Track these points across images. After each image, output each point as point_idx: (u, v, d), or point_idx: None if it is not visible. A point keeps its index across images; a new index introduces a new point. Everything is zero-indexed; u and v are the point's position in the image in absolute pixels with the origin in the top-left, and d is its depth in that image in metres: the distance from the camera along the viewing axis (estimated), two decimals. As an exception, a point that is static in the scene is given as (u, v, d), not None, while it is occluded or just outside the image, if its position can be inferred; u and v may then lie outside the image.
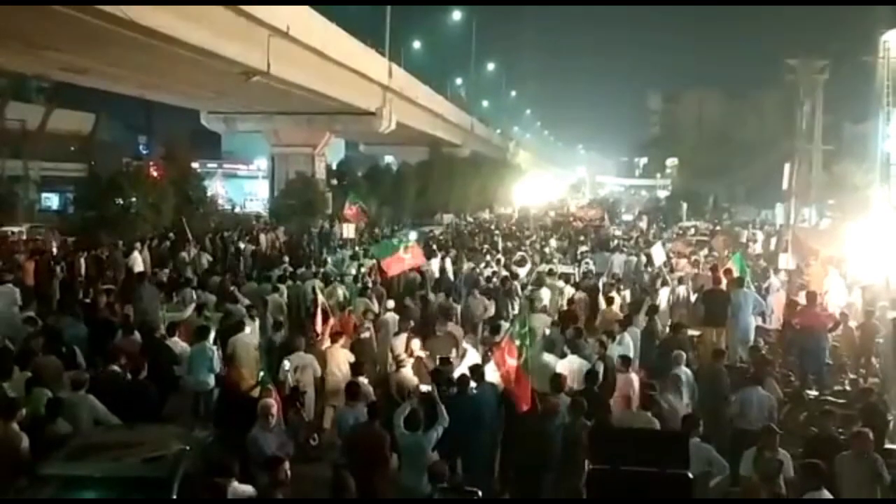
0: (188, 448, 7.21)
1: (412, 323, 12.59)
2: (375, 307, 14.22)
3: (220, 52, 22.62)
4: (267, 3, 23.70)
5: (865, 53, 32.25)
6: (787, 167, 33.06)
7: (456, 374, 9.75)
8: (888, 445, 9.09)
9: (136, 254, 19.92)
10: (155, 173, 25.96)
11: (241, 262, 23.02)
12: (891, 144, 27.33)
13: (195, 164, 33.87)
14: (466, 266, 20.23)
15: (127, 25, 18.35)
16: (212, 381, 10.59)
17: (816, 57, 32.57)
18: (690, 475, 6.43)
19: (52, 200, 43.25)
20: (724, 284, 15.18)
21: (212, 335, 11.07)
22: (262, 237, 27.21)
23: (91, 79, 29.28)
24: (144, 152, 51.30)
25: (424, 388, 9.40)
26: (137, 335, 11.35)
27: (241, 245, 24.91)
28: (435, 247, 23.95)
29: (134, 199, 23.01)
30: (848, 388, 12.85)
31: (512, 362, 9.01)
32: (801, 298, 15.18)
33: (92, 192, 23.33)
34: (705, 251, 26.26)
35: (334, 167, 44.40)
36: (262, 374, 9.57)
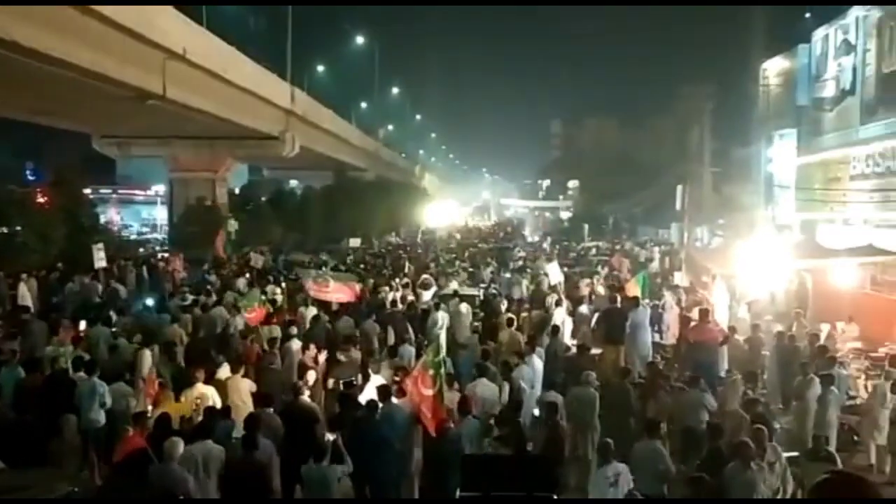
0: (76, 490, 6.89)
1: (315, 349, 12.45)
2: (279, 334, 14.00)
3: (113, 76, 21.90)
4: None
5: (747, 81, 34.30)
6: (679, 189, 34.55)
7: (363, 399, 9.68)
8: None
9: (22, 285, 18.90)
10: (43, 200, 24.71)
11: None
12: (773, 167, 29.05)
13: (87, 191, 32.53)
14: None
15: (11, 48, 17.55)
16: (102, 418, 10.10)
17: (703, 85, 34.33)
18: (555, 497, 6.66)
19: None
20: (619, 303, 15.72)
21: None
22: (160, 265, 26.31)
23: (-28, 102, 27.81)
24: (32, 178, 48.92)
25: None
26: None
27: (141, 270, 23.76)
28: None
29: (20, 228, 21.86)
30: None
31: (427, 392, 8.95)
32: (694, 314, 15.85)
33: (-28, 222, 22.01)
34: (606, 270, 27.02)
35: (237, 192, 43.54)
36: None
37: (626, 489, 7.65)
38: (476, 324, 17.04)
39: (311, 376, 11.44)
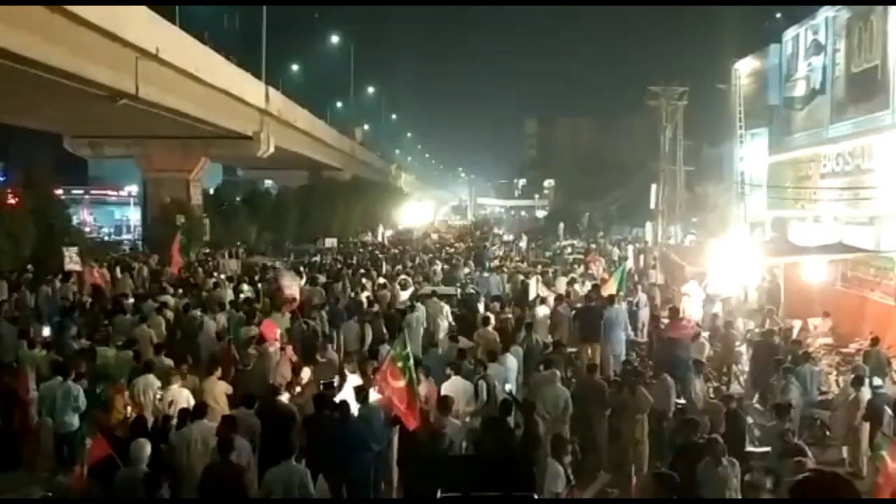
0: (50, 494, 6.83)
1: (292, 351, 12.40)
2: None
3: (84, 75, 21.62)
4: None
5: (719, 81, 34.58)
6: (653, 187, 34.82)
7: (337, 400, 9.66)
8: (749, 448, 9.69)
9: (-9, 288, 18.60)
10: (13, 201, 24.28)
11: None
12: (745, 166, 29.36)
13: (59, 191, 32.05)
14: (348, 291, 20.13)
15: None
16: (76, 421, 9.95)
17: (676, 84, 34.50)
18: (535, 496, 6.70)
19: None
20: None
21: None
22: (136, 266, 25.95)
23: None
24: (1, 179, 48.13)
25: None
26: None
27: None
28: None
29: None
30: (712, 395, 13.57)
31: (397, 384, 8.96)
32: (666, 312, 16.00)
33: (-60, 224, 21.57)
34: (581, 269, 27.12)
35: (211, 192, 43.17)
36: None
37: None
38: (453, 323, 17.06)
39: (306, 374, 11.44)
